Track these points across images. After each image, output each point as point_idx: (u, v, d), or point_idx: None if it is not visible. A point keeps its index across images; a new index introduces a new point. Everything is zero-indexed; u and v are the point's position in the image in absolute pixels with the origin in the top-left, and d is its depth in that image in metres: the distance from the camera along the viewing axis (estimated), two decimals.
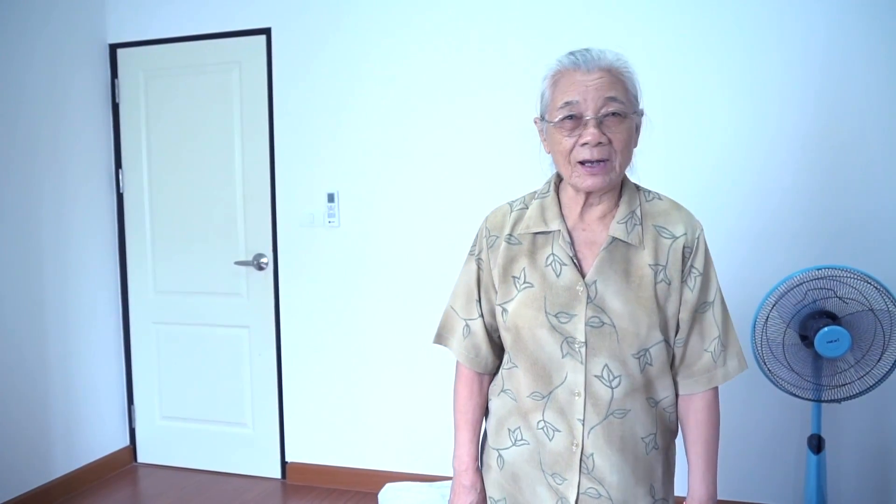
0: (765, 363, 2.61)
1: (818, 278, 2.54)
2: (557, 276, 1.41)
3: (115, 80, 3.79)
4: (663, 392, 1.45)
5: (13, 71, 3.26)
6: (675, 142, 3.01)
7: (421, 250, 3.35)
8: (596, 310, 1.38)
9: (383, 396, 3.47)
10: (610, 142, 1.36)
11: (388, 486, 2.58)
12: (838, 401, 2.60)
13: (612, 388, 1.39)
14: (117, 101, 3.81)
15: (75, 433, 3.58)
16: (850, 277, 2.51)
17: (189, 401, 3.81)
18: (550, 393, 1.42)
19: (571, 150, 1.38)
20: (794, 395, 2.61)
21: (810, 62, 2.86)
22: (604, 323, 1.38)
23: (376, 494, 2.74)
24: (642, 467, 1.44)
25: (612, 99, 1.36)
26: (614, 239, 1.41)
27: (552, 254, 1.43)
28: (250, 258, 3.65)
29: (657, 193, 1.50)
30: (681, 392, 1.47)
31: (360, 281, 3.46)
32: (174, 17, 3.65)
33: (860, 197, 2.85)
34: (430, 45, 3.29)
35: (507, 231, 1.49)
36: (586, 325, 1.38)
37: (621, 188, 1.46)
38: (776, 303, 2.58)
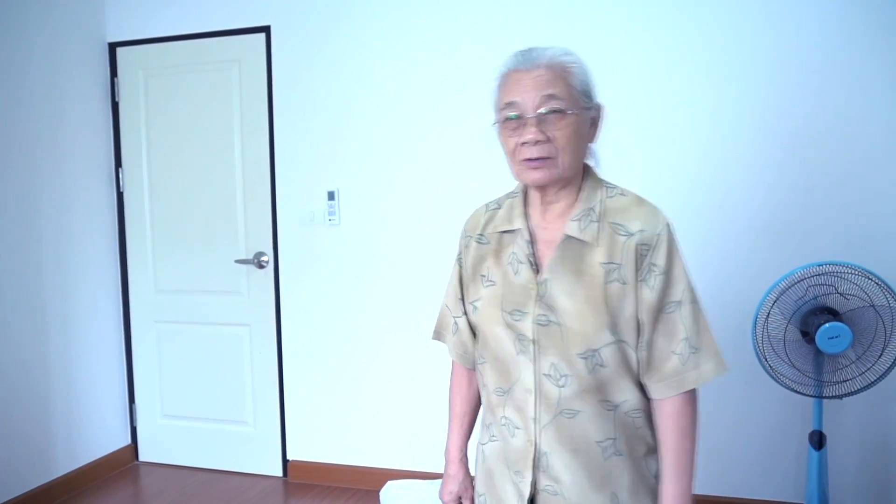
0: (766, 359, 2.61)
1: (819, 274, 2.54)
2: (515, 274, 1.42)
3: (115, 79, 3.79)
4: (622, 396, 1.39)
5: (13, 70, 3.26)
6: (673, 137, 3.00)
7: (421, 248, 3.34)
8: (544, 308, 1.37)
9: (384, 394, 3.47)
10: (551, 139, 1.34)
11: (390, 483, 2.58)
12: (839, 397, 2.60)
13: (559, 388, 1.37)
14: (117, 99, 3.80)
15: (76, 432, 3.58)
16: (850, 273, 2.51)
17: (190, 399, 3.81)
18: (510, 389, 1.44)
19: (515, 150, 1.38)
20: (796, 391, 2.61)
21: (809, 57, 2.85)
22: (551, 321, 1.37)
23: (378, 492, 2.74)
24: (599, 473, 1.39)
25: (551, 96, 1.34)
26: (568, 237, 1.39)
27: (513, 252, 1.44)
28: (251, 256, 3.65)
29: (622, 190, 1.44)
30: (651, 396, 1.40)
31: (360, 279, 3.46)
32: (174, 16, 3.65)
33: (861, 192, 2.84)
34: (430, 42, 3.28)
35: (478, 231, 1.53)
36: (534, 323, 1.38)
37: (582, 184, 1.43)
38: (777, 299, 2.58)
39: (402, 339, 3.41)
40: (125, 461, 3.87)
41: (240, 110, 3.60)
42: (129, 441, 3.92)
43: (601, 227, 1.38)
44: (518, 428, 1.42)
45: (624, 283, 1.35)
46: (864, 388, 2.55)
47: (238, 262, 3.65)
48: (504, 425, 1.45)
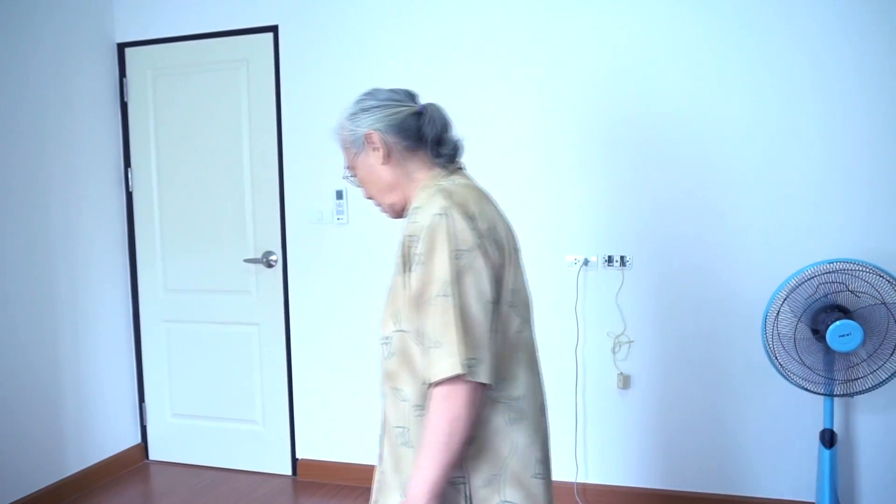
0: (776, 357, 2.60)
1: (830, 272, 2.53)
2: None
3: (124, 79, 3.81)
4: (408, 389, 1.42)
5: (21, 71, 3.27)
6: (682, 136, 3.00)
7: None
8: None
9: None
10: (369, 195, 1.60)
11: None
12: (850, 395, 2.59)
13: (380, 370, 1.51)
14: (126, 99, 3.82)
15: (87, 431, 3.60)
16: (862, 271, 2.50)
17: (199, 398, 3.83)
18: None
19: None
20: (806, 389, 2.60)
21: (816, 55, 2.84)
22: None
23: None
24: (395, 457, 1.47)
25: (345, 167, 1.60)
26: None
27: None
28: (259, 255, 3.65)
29: (442, 186, 1.47)
30: None
31: (368, 277, 3.47)
32: (182, 16, 3.66)
33: (871, 189, 2.83)
34: (435, 41, 3.28)
35: None
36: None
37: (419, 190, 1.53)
38: (787, 297, 2.57)
39: None
40: (135, 460, 3.89)
41: (248, 110, 3.60)
42: (139, 440, 3.94)
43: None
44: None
45: (401, 273, 1.43)
46: (876, 386, 2.54)
47: (247, 261, 3.66)
48: None
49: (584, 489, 3.23)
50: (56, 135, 3.44)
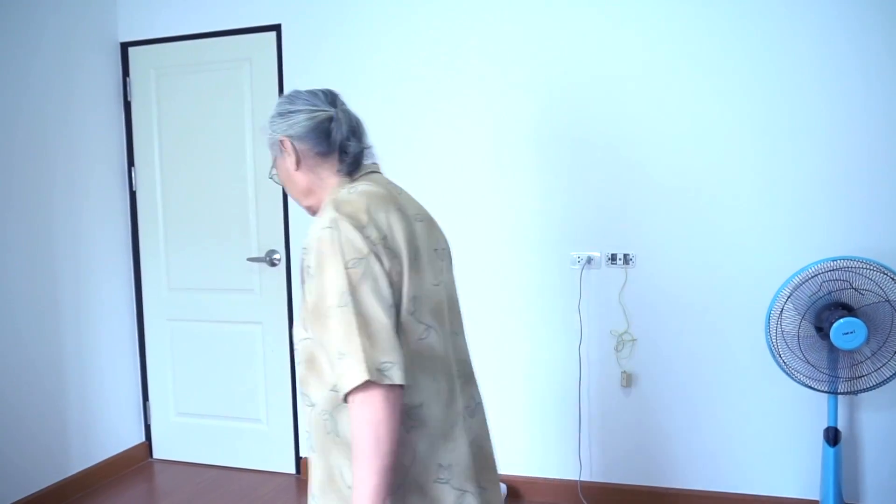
0: (780, 355, 2.59)
1: (833, 269, 2.53)
2: None
3: (127, 79, 3.81)
4: (315, 394, 1.44)
5: (24, 70, 3.28)
6: (685, 134, 2.99)
7: None
8: None
9: None
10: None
11: None
12: (854, 393, 2.58)
13: None
14: (129, 99, 3.82)
15: (91, 430, 3.61)
16: (865, 268, 2.49)
17: (203, 397, 3.83)
18: None
19: None
20: (810, 387, 2.60)
21: (820, 55, 2.83)
22: None
23: None
24: (311, 459, 1.51)
25: (271, 167, 1.64)
26: None
27: None
28: (263, 254, 3.66)
29: (334, 197, 1.46)
30: None
31: None
32: (185, 15, 3.66)
33: (874, 187, 2.82)
34: (437, 40, 3.28)
35: None
36: None
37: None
38: (791, 294, 2.57)
39: None
40: (139, 458, 3.90)
41: (251, 108, 3.61)
42: (143, 438, 3.95)
43: None
44: None
45: (300, 285, 1.46)
46: (880, 383, 2.54)
47: (250, 260, 3.66)
48: None
49: (588, 487, 3.23)
50: (59, 134, 3.45)
